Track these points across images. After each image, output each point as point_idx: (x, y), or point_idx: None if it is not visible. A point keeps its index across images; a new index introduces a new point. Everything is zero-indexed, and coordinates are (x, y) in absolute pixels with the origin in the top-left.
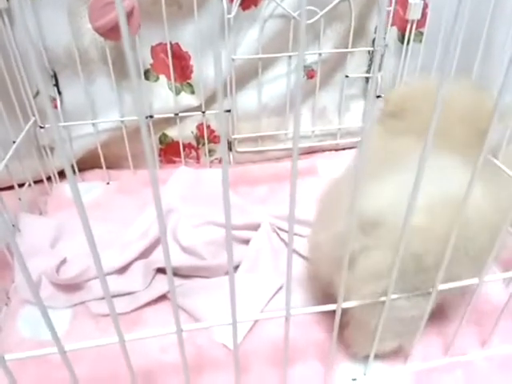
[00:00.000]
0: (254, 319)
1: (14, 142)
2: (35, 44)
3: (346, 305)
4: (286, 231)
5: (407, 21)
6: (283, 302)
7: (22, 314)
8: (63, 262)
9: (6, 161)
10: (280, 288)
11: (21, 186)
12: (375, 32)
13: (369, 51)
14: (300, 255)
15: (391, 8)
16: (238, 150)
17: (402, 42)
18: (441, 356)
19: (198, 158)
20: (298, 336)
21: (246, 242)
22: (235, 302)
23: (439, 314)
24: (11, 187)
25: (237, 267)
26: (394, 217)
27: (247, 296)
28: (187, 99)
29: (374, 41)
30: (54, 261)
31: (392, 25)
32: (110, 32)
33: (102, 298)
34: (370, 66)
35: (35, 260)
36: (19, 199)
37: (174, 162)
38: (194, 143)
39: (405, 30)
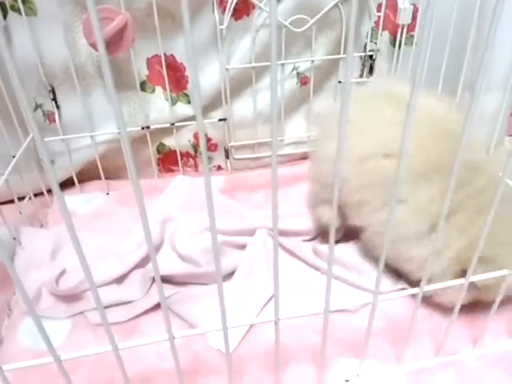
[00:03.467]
0: (244, 324)
1: (13, 157)
2: (32, 60)
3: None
4: (283, 236)
5: (398, 25)
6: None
7: (23, 325)
8: (62, 273)
9: (6, 175)
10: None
11: (21, 199)
12: (367, 37)
13: (361, 56)
14: (297, 259)
15: (381, 13)
16: (235, 157)
17: (395, 46)
18: (433, 356)
19: (195, 166)
20: (292, 339)
21: (242, 247)
22: (225, 307)
23: (430, 315)
24: (12, 201)
25: (233, 273)
26: None
27: (242, 301)
28: (183, 109)
29: (365, 45)
30: (54, 272)
31: (383, 29)
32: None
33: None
34: (362, 70)
35: (36, 272)
36: (20, 213)
37: (173, 171)
38: (192, 152)
39: (396, 34)
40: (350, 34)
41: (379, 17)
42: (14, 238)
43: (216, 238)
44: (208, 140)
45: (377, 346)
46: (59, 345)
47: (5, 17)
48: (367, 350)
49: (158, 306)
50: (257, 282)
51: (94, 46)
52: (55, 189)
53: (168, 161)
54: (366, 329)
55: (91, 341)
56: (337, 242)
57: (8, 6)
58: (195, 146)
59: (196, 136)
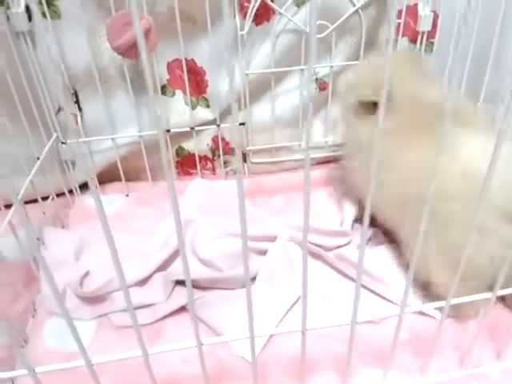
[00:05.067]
0: (271, 333)
1: (38, 158)
2: (56, 63)
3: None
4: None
5: (418, 32)
6: (300, 314)
7: (48, 325)
8: (86, 274)
9: (31, 176)
10: (297, 300)
11: (44, 199)
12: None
13: None
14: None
15: (401, 20)
16: (253, 160)
17: None
18: (457, 368)
19: (213, 170)
20: (315, 347)
21: (263, 252)
22: (252, 316)
23: (455, 327)
24: (34, 200)
25: (254, 278)
26: None
27: (264, 308)
28: (203, 113)
29: None
30: (78, 273)
31: (403, 35)
32: (128, 51)
33: (125, 310)
34: None
35: (59, 272)
36: (43, 213)
37: (191, 174)
38: (210, 155)
39: (416, 41)
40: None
41: (399, 23)
42: (38, 239)
43: (246, 247)
44: (226, 144)
45: (401, 356)
46: (86, 345)
47: (30, 19)
48: (393, 361)
49: (181, 310)
50: (279, 288)
51: (117, 49)
52: (92, 189)
53: (186, 164)
54: (392, 341)
55: (116, 343)
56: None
57: (33, 9)
58: (213, 150)
59: (215, 140)
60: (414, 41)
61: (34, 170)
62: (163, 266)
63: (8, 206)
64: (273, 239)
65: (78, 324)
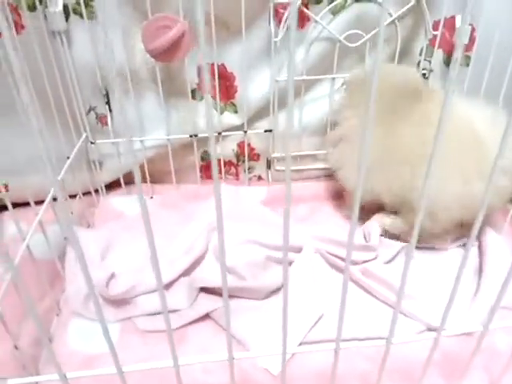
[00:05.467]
0: (303, 351)
1: (68, 158)
2: (90, 63)
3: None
4: (331, 254)
5: (454, 44)
6: (326, 328)
7: (72, 326)
8: (112, 276)
9: (61, 175)
10: (322, 315)
11: (71, 197)
12: (420, 54)
13: None
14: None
15: (438, 32)
16: (277, 168)
17: (448, 65)
18: None
19: (237, 175)
20: (341, 363)
21: (288, 263)
22: (287, 334)
23: (485, 349)
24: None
25: (278, 289)
26: None
27: (290, 320)
28: (230, 118)
29: (418, 63)
30: (104, 275)
31: (438, 47)
32: (162, 54)
33: (149, 315)
34: None
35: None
36: (71, 213)
37: None
38: (234, 160)
39: (451, 53)
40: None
41: (435, 35)
42: (65, 238)
43: (286, 268)
44: (251, 150)
45: (429, 377)
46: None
47: (67, 19)
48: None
49: (204, 317)
50: (305, 300)
51: (151, 52)
52: (138, 189)
53: (210, 168)
54: (424, 363)
55: (140, 347)
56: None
57: (71, 9)
58: (238, 155)
59: (240, 145)
60: (449, 53)
61: (65, 168)
62: (187, 271)
63: (38, 203)
64: (298, 250)
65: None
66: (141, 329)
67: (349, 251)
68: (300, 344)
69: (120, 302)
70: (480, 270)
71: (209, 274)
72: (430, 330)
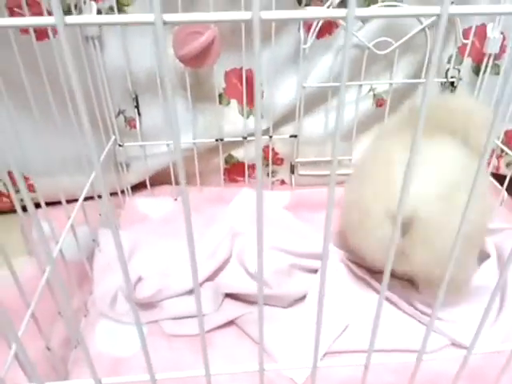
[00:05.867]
0: (335, 365)
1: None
2: (121, 67)
3: None
4: (355, 263)
5: (484, 53)
6: (351, 339)
7: (99, 328)
8: (139, 279)
9: (91, 178)
10: (347, 326)
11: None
12: (448, 62)
13: (441, 82)
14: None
15: (468, 41)
16: (300, 172)
17: (477, 74)
18: None
19: None
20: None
21: (312, 271)
22: (318, 349)
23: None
24: (90, 197)
25: (302, 297)
26: None
27: (313, 332)
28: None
29: (447, 72)
30: (131, 278)
31: (467, 56)
32: (192, 60)
33: (175, 318)
34: None
35: (113, 275)
36: (99, 215)
37: (237, 181)
38: None
39: (480, 62)
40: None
41: (464, 43)
42: (93, 240)
43: (324, 282)
44: (274, 154)
45: None
46: (135, 351)
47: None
48: None
49: (229, 322)
50: (330, 310)
51: (181, 58)
52: (184, 202)
53: (234, 171)
54: (453, 379)
55: (166, 351)
56: None
57: (104, 13)
58: (262, 160)
59: (264, 150)
60: (477, 62)
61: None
62: (211, 276)
63: (69, 202)
64: (320, 257)
65: (128, 328)
66: (167, 333)
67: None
68: (325, 354)
69: (147, 306)
70: (504, 283)
71: (233, 280)
72: (454, 344)
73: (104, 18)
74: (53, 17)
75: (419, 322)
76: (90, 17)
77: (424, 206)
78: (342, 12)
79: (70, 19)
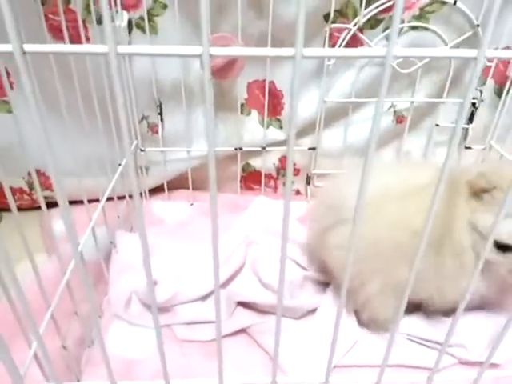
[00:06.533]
0: (347, 382)
1: (119, 165)
2: (147, 75)
3: None
4: None
5: (507, 76)
6: (359, 354)
7: (112, 329)
8: (154, 283)
9: (113, 182)
10: (356, 342)
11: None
12: None
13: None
14: None
15: (492, 63)
16: (316, 184)
17: (499, 96)
18: None
19: (275, 188)
20: None
21: (324, 284)
22: (331, 364)
23: None
24: (110, 198)
25: (314, 310)
26: None
27: (324, 345)
28: (274, 133)
29: None
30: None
31: (490, 77)
32: (217, 72)
33: (188, 323)
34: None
35: (128, 278)
36: (118, 217)
37: (253, 189)
38: (274, 174)
39: (503, 84)
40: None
41: (488, 65)
42: (111, 242)
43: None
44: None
45: None
46: (149, 355)
47: (129, 33)
48: None
49: (240, 330)
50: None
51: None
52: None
53: (250, 180)
54: None
55: (178, 356)
56: None
57: (134, 23)
58: (278, 169)
59: (281, 160)
60: (500, 84)
61: (117, 175)
62: (224, 284)
63: (90, 201)
64: None
65: (142, 330)
66: (179, 337)
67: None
68: (334, 366)
69: (161, 309)
70: None
71: (246, 289)
72: (461, 363)
73: (154, 49)
74: (105, 46)
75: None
76: (140, 47)
77: None
78: (381, 51)
79: (122, 49)
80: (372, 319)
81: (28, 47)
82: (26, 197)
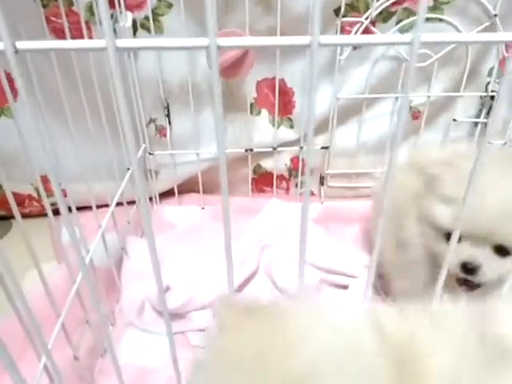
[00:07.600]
0: None
1: (128, 169)
2: (153, 76)
3: None
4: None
5: None
6: None
7: (125, 337)
8: (167, 289)
9: (122, 187)
10: None
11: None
12: (488, 75)
13: (481, 96)
14: None
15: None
16: (330, 184)
17: None
18: None
19: (287, 189)
20: None
21: (341, 286)
22: None
23: None
24: (119, 203)
25: None
26: None
27: None
28: (285, 133)
29: (487, 85)
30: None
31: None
32: (226, 70)
33: (202, 330)
34: (480, 110)
35: (140, 284)
36: (128, 222)
37: (264, 191)
38: (286, 175)
39: None
40: None
41: (505, 56)
42: (122, 248)
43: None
44: (304, 165)
45: None
46: (163, 362)
47: (134, 33)
48: None
49: None
50: None
51: None
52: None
53: (262, 181)
54: None
55: (190, 362)
56: None
57: (138, 23)
58: (290, 170)
59: (293, 160)
60: None
61: (126, 180)
62: (238, 288)
63: (99, 206)
64: (351, 275)
65: (155, 338)
66: (193, 345)
67: None
68: None
69: (174, 316)
70: None
71: (260, 293)
72: None
73: (154, 42)
74: (103, 40)
75: None
76: (142, 40)
77: None
78: (406, 37)
79: (121, 43)
80: None
81: (21, 44)
82: (35, 203)
